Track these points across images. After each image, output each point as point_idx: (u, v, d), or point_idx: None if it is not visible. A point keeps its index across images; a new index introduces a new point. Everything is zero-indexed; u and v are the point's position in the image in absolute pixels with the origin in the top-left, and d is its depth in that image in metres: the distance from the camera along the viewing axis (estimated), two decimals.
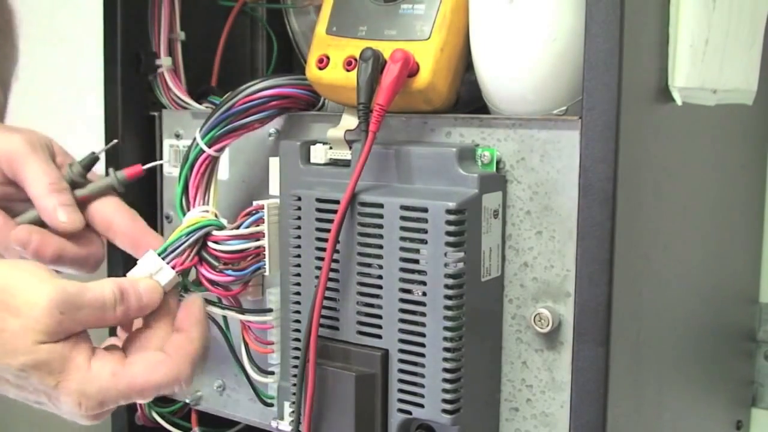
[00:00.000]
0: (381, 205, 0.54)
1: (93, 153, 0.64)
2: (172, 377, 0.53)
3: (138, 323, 0.57)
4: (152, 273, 0.57)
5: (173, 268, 0.58)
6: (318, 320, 0.54)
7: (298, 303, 0.58)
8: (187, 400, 0.73)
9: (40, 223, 0.60)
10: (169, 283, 0.57)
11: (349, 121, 0.59)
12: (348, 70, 0.58)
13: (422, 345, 0.53)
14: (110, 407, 0.52)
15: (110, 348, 0.54)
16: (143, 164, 0.69)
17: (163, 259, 0.58)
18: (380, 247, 0.54)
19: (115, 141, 0.69)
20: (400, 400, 0.54)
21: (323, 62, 0.59)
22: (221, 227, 0.61)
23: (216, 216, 0.63)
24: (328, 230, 0.55)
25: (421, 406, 0.53)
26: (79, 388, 0.50)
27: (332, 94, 0.61)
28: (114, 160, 0.71)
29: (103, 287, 0.53)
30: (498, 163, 0.55)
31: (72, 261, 0.60)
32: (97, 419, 0.52)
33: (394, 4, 0.58)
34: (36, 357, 0.49)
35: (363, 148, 0.54)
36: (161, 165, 0.73)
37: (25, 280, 0.50)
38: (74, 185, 0.62)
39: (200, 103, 0.72)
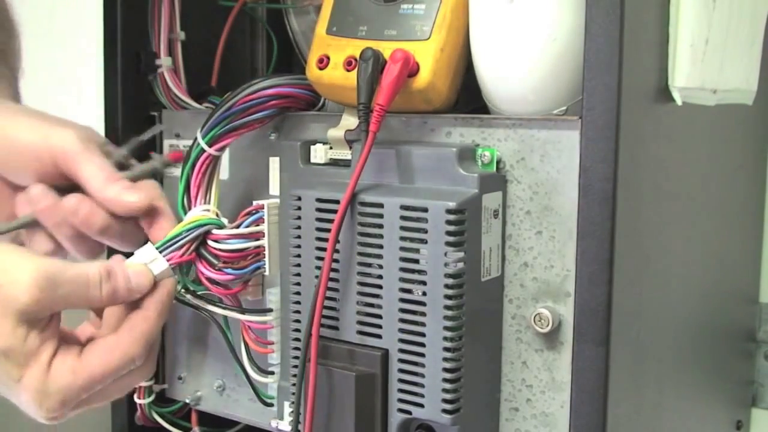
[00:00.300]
0: (381, 205, 0.54)
1: (136, 137, 0.65)
2: (126, 359, 0.52)
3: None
4: (146, 263, 0.57)
5: (169, 261, 0.58)
6: (319, 320, 0.54)
7: (298, 303, 0.58)
8: (187, 400, 0.73)
9: (35, 226, 0.59)
10: (161, 273, 0.57)
11: (349, 121, 0.59)
12: (348, 70, 0.58)
13: (422, 345, 0.53)
14: (72, 406, 0.52)
15: (70, 341, 0.53)
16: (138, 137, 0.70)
17: (161, 252, 0.57)
18: (380, 246, 0.54)
19: (160, 125, 0.70)
20: (400, 400, 0.54)
21: (323, 62, 0.59)
22: (221, 226, 0.61)
23: (217, 215, 0.63)
24: (328, 230, 0.55)
25: (421, 406, 0.53)
26: (39, 387, 0.50)
27: (332, 94, 0.61)
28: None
29: (89, 265, 0.52)
30: (498, 163, 0.55)
31: (116, 234, 0.59)
32: (55, 420, 0.52)
33: (394, 4, 0.58)
34: (9, 343, 0.49)
35: (363, 148, 0.54)
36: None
37: (5, 259, 0.50)
38: (120, 168, 0.62)
39: (200, 103, 0.72)
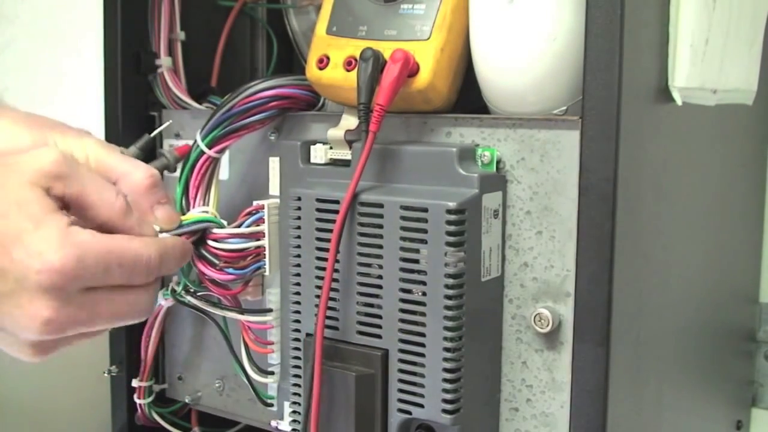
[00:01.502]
0: (381, 205, 0.54)
1: (147, 134, 0.66)
2: (142, 251, 0.49)
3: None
4: None
5: None
6: (323, 321, 0.54)
7: (298, 303, 0.58)
8: (187, 400, 0.74)
9: None
10: None
11: (349, 121, 0.59)
12: (348, 70, 0.58)
13: (422, 345, 0.53)
14: (85, 278, 0.46)
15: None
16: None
17: None
18: (380, 247, 0.54)
19: (169, 122, 0.71)
20: (400, 400, 0.54)
21: (323, 62, 0.59)
22: (221, 225, 0.61)
23: (216, 217, 0.63)
24: (328, 230, 0.55)
25: (421, 406, 0.53)
26: (58, 235, 0.45)
27: (332, 94, 0.61)
28: None
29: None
30: (498, 163, 0.55)
31: None
32: (56, 325, 0.46)
33: (394, 4, 0.58)
34: (22, 196, 0.45)
35: (363, 148, 0.54)
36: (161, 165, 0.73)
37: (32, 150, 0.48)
38: None
39: (200, 103, 0.72)
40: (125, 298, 0.49)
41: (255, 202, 0.62)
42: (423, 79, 0.56)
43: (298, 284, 0.58)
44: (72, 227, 0.46)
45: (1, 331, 0.47)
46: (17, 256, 0.45)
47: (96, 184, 0.49)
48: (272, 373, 0.65)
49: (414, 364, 0.53)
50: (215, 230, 0.61)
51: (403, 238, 0.53)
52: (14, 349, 0.48)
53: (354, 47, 0.58)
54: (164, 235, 0.56)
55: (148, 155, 0.67)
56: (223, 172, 0.68)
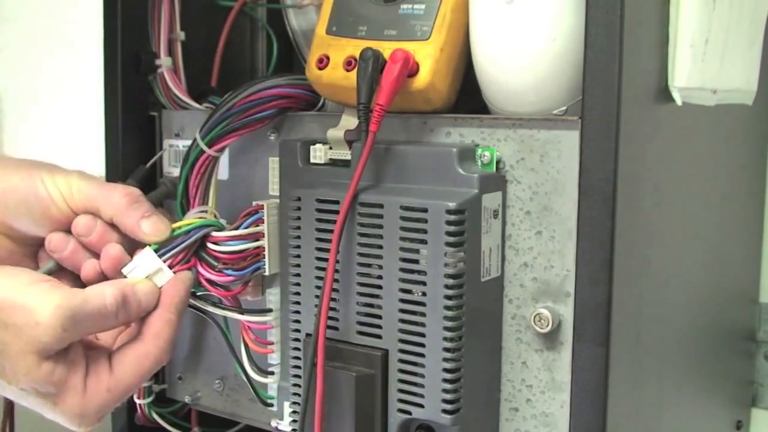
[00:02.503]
0: (381, 206, 0.54)
1: (143, 166, 0.68)
2: (157, 365, 0.55)
3: None
4: (150, 274, 0.57)
5: (170, 267, 0.58)
6: (325, 322, 0.54)
7: (297, 303, 0.58)
8: (187, 400, 0.73)
9: (59, 269, 0.59)
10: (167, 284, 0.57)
11: (349, 121, 0.59)
12: (348, 70, 0.58)
13: (422, 345, 0.53)
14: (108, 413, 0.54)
15: (96, 352, 0.54)
16: (145, 163, 0.70)
17: (160, 256, 0.57)
18: (380, 247, 0.54)
19: (161, 152, 0.72)
20: (400, 400, 0.54)
21: (323, 62, 0.59)
22: (221, 228, 0.61)
23: (215, 216, 0.63)
24: (328, 230, 0.55)
25: (421, 406, 0.53)
26: (77, 412, 0.52)
27: (332, 94, 0.60)
28: (114, 160, 0.71)
29: (104, 295, 0.53)
30: (498, 163, 0.55)
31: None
32: (95, 424, 0.54)
33: (394, 4, 0.58)
34: (35, 379, 0.50)
35: (363, 148, 0.54)
36: (161, 165, 0.73)
37: (25, 295, 0.50)
38: None
39: (200, 103, 0.72)
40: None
41: (255, 202, 0.62)
42: (423, 79, 0.56)
43: (298, 284, 0.58)
44: (88, 389, 0.52)
45: None
46: (54, 417, 0.52)
47: (97, 325, 0.53)
48: (272, 373, 0.65)
49: (414, 364, 0.53)
50: (214, 233, 0.60)
51: (403, 239, 0.53)
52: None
53: (354, 47, 0.58)
54: (163, 273, 0.57)
55: (146, 184, 0.68)
56: (223, 172, 0.68)
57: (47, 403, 0.51)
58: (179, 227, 0.59)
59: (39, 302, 0.50)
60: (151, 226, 0.57)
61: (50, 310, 0.49)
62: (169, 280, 0.57)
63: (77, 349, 0.53)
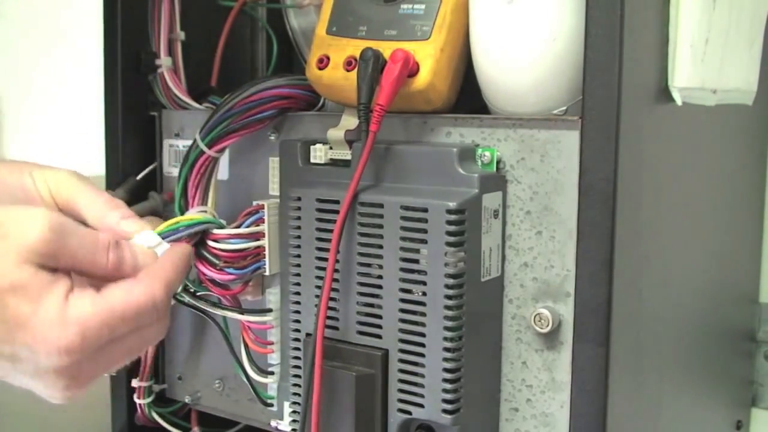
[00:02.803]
0: (381, 205, 0.54)
1: (133, 177, 0.67)
2: (148, 298, 0.49)
3: None
4: (150, 246, 0.56)
5: None
6: (324, 322, 0.54)
7: (297, 303, 0.58)
8: (187, 400, 0.73)
9: None
10: None
11: (349, 121, 0.59)
12: (348, 70, 0.58)
13: (422, 345, 0.53)
14: (92, 349, 0.47)
15: (83, 284, 0.50)
16: (144, 164, 0.71)
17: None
18: (380, 247, 0.54)
19: (155, 164, 0.72)
20: (400, 400, 0.54)
21: (323, 62, 0.59)
22: (221, 226, 0.61)
23: (214, 217, 0.63)
24: (328, 230, 0.55)
25: (421, 406, 0.53)
26: (56, 317, 0.46)
27: (332, 94, 0.61)
28: (114, 160, 0.71)
29: (98, 231, 0.51)
30: (498, 163, 0.55)
31: None
32: (73, 376, 0.47)
33: (394, 4, 0.58)
34: (17, 278, 0.46)
35: (363, 148, 0.54)
36: (161, 165, 0.73)
37: (18, 212, 0.48)
38: None
39: (200, 103, 0.72)
40: (138, 337, 0.50)
41: (255, 202, 0.62)
42: (423, 79, 0.56)
43: (298, 284, 0.58)
44: (70, 300, 0.47)
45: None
46: (25, 342, 0.46)
47: (85, 250, 0.49)
48: (272, 373, 0.65)
49: (414, 364, 0.53)
50: (215, 230, 0.60)
51: (404, 238, 0.53)
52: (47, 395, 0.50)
53: (354, 47, 0.58)
54: (162, 246, 0.56)
55: (135, 196, 0.68)
56: (223, 172, 0.68)
57: (22, 307, 0.45)
58: (180, 221, 0.59)
59: (32, 211, 0.48)
60: (133, 224, 0.57)
61: (41, 215, 0.47)
62: (169, 248, 0.54)
63: (64, 271, 0.49)
